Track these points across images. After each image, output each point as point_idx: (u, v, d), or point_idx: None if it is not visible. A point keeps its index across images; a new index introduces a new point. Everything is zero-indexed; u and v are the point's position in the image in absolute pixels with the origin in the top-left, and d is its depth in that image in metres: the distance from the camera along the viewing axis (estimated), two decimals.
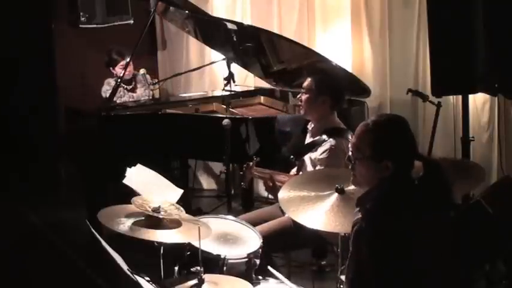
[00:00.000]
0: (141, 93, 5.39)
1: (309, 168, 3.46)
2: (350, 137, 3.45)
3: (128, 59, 4.94)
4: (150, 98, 5.45)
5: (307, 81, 3.58)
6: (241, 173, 3.72)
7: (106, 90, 5.34)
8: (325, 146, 3.39)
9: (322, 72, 3.72)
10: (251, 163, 3.57)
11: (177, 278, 2.86)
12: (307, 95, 3.55)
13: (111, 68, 5.34)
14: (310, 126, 3.63)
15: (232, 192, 5.38)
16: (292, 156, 3.66)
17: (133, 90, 5.39)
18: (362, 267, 2.14)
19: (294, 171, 3.63)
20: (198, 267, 2.53)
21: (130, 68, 5.27)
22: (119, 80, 4.86)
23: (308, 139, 3.60)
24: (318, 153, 3.41)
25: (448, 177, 2.26)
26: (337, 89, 3.60)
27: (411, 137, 2.28)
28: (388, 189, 2.19)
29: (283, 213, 3.34)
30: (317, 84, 3.53)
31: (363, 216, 2.16)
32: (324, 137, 3.45)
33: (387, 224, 2.12)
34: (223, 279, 2.67)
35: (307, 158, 3.50)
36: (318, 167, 3.38)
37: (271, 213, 3.51)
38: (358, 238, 2.15)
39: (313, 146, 3.48)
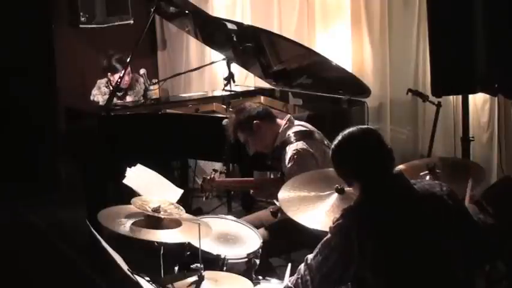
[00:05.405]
0: (132, 99, 5.34)
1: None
2: (317, 136, 3.44)
3: (127, 68, 4.89)
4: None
5: (239, 136, 3.48)
6: (201, 184, 3.62)
7: (95, 94, 5.32)
8: (289, 154, 3.31)
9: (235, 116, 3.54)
10: (211, 176, 3.49)
11: (177, 274, 2.86)
12: (244, 139, 3.47)
13: (108, 74, 5.31)
14: None
15: (232, 192, 5.37)
16: (269, 162, 3.58)
17: (123, 97, 5.31)
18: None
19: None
20: (198, 264, 2.53)
21: (129, 76, 5.24)
22: (111, 87, 4.76)
23: None
24: (286, 163, 3.33)
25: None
26: (250, 108, 3.48)
27: (373, 153, 2.30)
28: (362, 200, 2.29)
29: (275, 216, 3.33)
30: (237, 126, 3.46)
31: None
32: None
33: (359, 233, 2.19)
34: (223, 276, 2.68)
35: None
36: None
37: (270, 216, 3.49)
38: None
39: (283, 149, 3.39)
